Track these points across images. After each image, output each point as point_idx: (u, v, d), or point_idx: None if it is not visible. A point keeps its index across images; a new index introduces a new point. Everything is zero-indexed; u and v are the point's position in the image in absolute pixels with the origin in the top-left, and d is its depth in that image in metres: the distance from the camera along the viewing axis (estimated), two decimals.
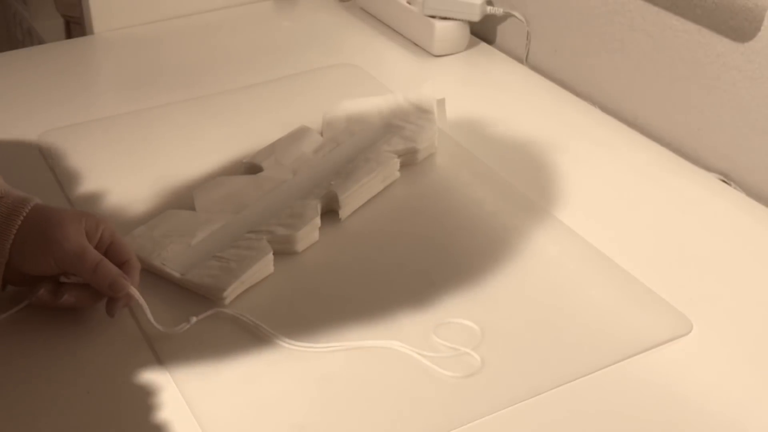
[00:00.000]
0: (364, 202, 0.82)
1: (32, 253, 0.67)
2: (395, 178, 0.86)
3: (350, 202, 0.80)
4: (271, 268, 0.73)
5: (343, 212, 0.80)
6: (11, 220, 0.66)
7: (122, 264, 0.68)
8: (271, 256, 0.73)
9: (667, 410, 0.62)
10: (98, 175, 0.86)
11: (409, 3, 1.14)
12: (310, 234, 0.77)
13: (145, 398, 0.63)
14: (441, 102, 0.93)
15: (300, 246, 0.76)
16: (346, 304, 0.71)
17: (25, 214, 0.67)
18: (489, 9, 1.10)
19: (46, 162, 0.88)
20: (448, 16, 1.10)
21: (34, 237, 0.66)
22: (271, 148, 0.87)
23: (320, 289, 0.73)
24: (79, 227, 0.67)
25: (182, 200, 0.80)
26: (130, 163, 0.89)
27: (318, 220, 0.78)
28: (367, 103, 0.94)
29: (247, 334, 0.68)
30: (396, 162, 0.85)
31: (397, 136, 0.88)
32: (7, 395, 0.62)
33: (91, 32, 1.16)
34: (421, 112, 0.92)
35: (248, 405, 0.62)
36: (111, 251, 0.69)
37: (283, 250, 0.76)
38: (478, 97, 1.03)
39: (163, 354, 0.66)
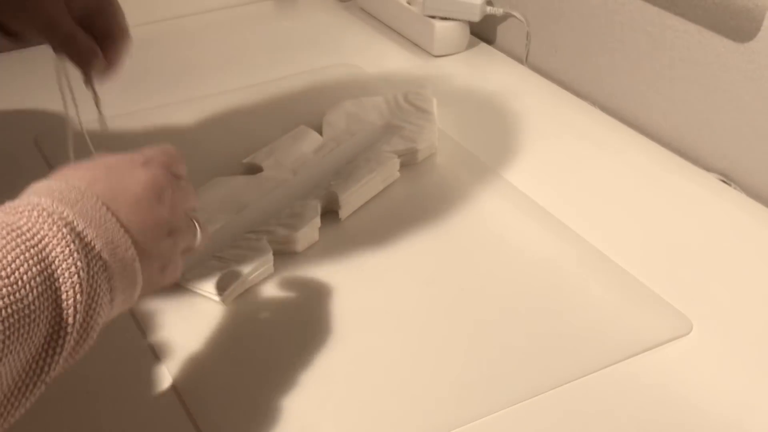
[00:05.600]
0: (364, 202, 0.82)
1: (14, 15, 0.64)
2: (395, 178, 0.86)
3: (350, 202, 0.80)
4: (271, 269, 0.73)
5: (343, 212, 0.80)
6: None
7: (104, 38, 0.65)
8: (271, 256, 0.73)
9: (667, 410, 0.62)
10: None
11: (409, 3, 1.14)
12: (310, 234, 0.77)
13: (142, 397, 0.63)
14: (444, 104, 0.93)
15: (300, 246, 0.76)
16: (346, 305, 0.71)
17: None
18: (489, 9, 1.10)
19: (45, 162, 0.88)
20: (448, 16, 1.10)
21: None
22: (271, 149, 0.87)
23: (320, 290, 0.73)
24: None
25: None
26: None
27: (318, 220, 0.78)
28: (367, 103, 0.94)
29: (247, 332, 0.68)
30: (396, 162, 0.85)
31: (397, 136, 0.88)
32: None
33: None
34: (421, 112, 0.92)
35: (248, 405, 0.62)
36: (97, 20, 0.65)
37: (283, 250, 0.76)
38: (478, 97, 1.03)
39: (163, 353, 0.66)
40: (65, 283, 0.45)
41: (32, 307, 0.43)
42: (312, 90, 1.03)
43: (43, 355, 0.45)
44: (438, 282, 0.73)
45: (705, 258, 0.77)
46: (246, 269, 0.71)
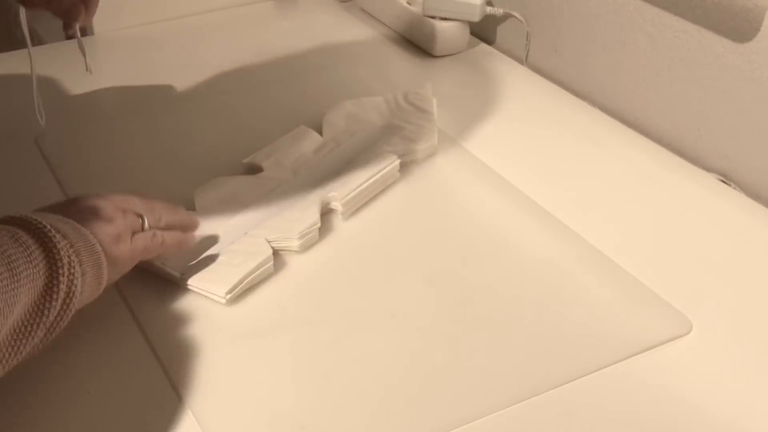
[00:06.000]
0: (364, 202, 0.82)
1: None
2: (395, 178, 0.86)
3: (351, 202, 0.81)
4: (271, 268, 0.74)
5: (344, 213, 0.80)
6: None
7: None
8: (271, 256, 0.73)
9: (667, 410, 0.62)
10: (98, 176, 0.87)
11: (409, 3, 1.14)
12: (310, 235, 0.77)
13: (143, 397, 0.63)
14: (444, 105, 0.93)
15: (300, 246, 0.76)
16: (346, 305, 0.71)
17: None
18: (489, 9, 1.10)
19: (45, 162, 0.88)
20: (448, 16, 1.10)
21: None
22: (271, 149, 0.87)
23: (320, 290, 0.73)
24: None
25: (182, 201, 0.80)
26: (130, 164, 0.89)
27: (318, 221, 0.78)
28: (367, 103, 0.94)
29: (247, 333, 0.68)
30: (396, 162, 0.85)
31: (397, 136, 0.88)
32: (6, 395, 0.62)
33: (92, 32, 1.16)
34: (421, 112, 0.93)
35: (249, 404, 0.62)
36: None
37: (283, 250, 0.76)
38: (478, 97, 1.03)
39: (163, 353, 0.66)
40: (60, 259, 0.58)
41: (34, 263, 0.56)
42: (312, 90, 1.03)
43: (37, 310, 0.56)
44: (438, 282, 0.74)
45: (705, 258, 0.77)
46: (246, 269, 0.71)
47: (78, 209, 0.65)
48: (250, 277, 0.72)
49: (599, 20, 1.00)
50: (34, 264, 0.56)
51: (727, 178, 0.89)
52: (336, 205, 0.80)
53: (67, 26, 0.83)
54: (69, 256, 0.59)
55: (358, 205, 0.82)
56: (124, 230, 0.66)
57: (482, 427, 0.61)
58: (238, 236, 0.75)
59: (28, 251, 0.56)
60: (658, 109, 0.96)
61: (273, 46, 1.14)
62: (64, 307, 0.58)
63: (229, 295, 0.70)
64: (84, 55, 0.88)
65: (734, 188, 0.88)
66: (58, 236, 0.58)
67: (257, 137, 0.89)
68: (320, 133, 0.90)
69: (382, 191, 0.84)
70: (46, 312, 0.57)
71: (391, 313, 0.70)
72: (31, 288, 0.55)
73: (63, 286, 0.58)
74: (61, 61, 1.10)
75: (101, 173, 0.87)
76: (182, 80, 1.05)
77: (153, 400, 0.62)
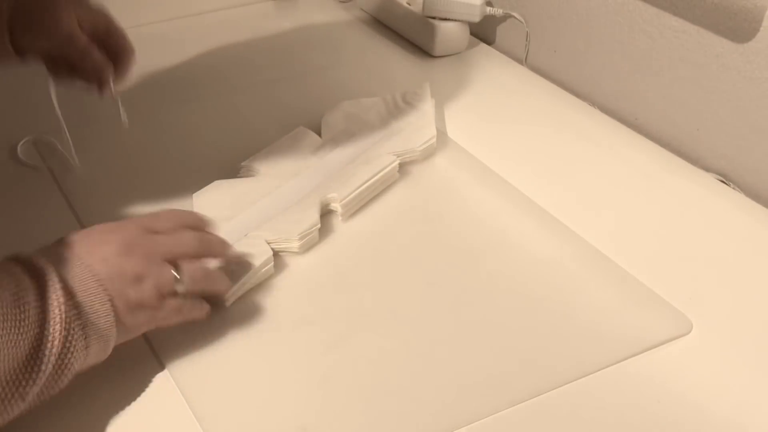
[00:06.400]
0: (364, 203, 0.82)
1: (29, 29, 0.72)
2: (395, 179, 0.86)
3: (350, 203, 0.81)
4: (271, 270, 0.74)
5: (343, 214, 0.80)
6: None
7: (116, 53, 0.75)
8: (271, 257, 0.73)
9: (667, 410, 0.63)
10: (97, 176, 0.87)
11: (409, 4, 1.14)
12: (310, 236, 0.77)
13: (144, 398, 0.63)
14: (444, 105, 0.93)
15: (300, 247, 0.76)
16: (346, 305, 0.71)
17: None
18: (488, 10, 1.10)
19: (44, 163, 0.88)
20: (447, 16, 1.10)
21: (30, 15, 0.72)
22: (270, 150, 0.87)
23: (320, 291, 0.73)
24: (71, 14, 0.73)
25: (181, 203, 0.80)
26: (130, 164, 0.89)
27: (318, 222, 0.78)
28: (366, 103, 0.95)
29: (248, 334, 0.68)
30: (395, 163, 0.85)
31: (395, 137, 0.88)
32: None
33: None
34: (420, 112, 0.93)
35: (249, 405, 0.62)
36: (106, 40, 0.75)
37: (283, 251, 0.76)
38: (477, 97, 1.03)
39: (164, 353, 0.66)
40: (53, 319, 0.55)
41: (23, 322, 0.53)
42: (312, 90, 1.03)
43: (25, 371, 0.54)
44: (438, 282, 0.74)
45: (705, 258, 0.77)
46: (246, 271, 0.71)
47: (109, 255, 0.60)
48: (251, 279, 0.72)
49: (599, 20, 1.00)
50: (23, 330, 0.53)
51: (726, 178, 0.89)
52: (335, 206, 0.80)
53: (100, 90, 0.78)
54: (70, 330, 0.56)
55: (358, 206, 0.82)
56: (150, 297, 0.61)
57: (482, 427, 0.61)
58: (238, 238, 0.75)
59: (23, 314, 0.53)
60: (657, 109, 0.96)
61: (273, 46, 1.14)
62: (57, 374, 0.56)
63: (229, 298, 0.70)
64: (120, 109, 0.83)
65: (733, 188, 0.88)
66: (63, 307, 0.55)
67: (257, 138, 0.89)
68: (319, 134, 0.90)
69: (382, 192, 0.84)
70: (31, 378, 0.54)
71: (391, 313, 0.70)
72: (15, 349, 0.53)
73: (52, 357, 0.55)
74: None
75: (100, 174, 0.87)
76: (182, 80, 1.05)
77: (153, 400, 0.62)
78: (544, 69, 1.09)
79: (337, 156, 0.86)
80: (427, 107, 0.93)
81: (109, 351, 0.60)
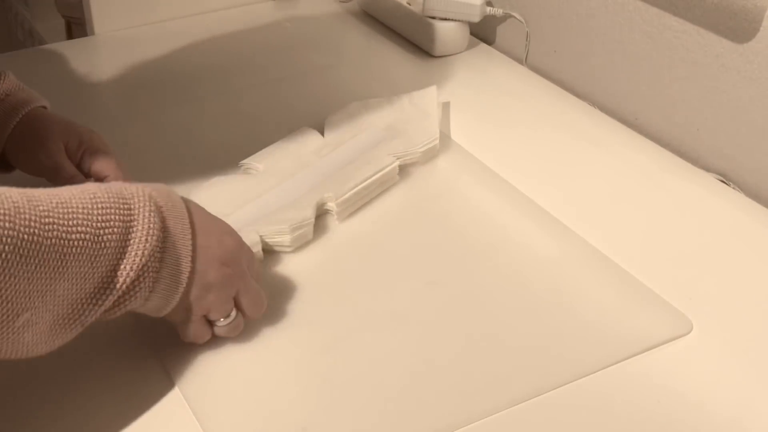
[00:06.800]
0: (361, 204, 0.82)
1: (22, 155, 0.78)
2: (394, 181, 0.86)
3: (346, 203, 0.80)
4: (260, 258, 0.74)
5: (339, 214, 0.80)
6: (8, 120, 0.77)
7: (103, 179, 0.78)
8: (260, 250, 0.73)
9: (667, 410, 0.63)
10: None
11: (409, 4, 1.14)
12: (302, 231, 0.76)
13: (144, 398, 0.63)
14: (444, 106, 0.93)
15: (292, 241, 0.75)
16: (346, 305, 0.71)
17: (18, 119, 0.77)
18: (489, 10, 1.10)
19: None
20: (448, 16, 1.10)
21: (24, 142, 0.77)
22: (271, 149, 0.87)
23: (320, 291, 0.73)
24: (59, 145, 0.77)
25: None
26: (129, 164, 0.89)
27: (311, 216, 0.77)
28: (371, 104, 0.94)
29: (248, 334, 0.68)
30: (395, 164, 0.85)
31: (398, 139, 0.88)
32: (7, 395, 0.63)
33: (92, 33, 1.16)
34: (424, 114, 0.93)
35: (249, 405, 0.62)
36: (94, 168, 0.78)
37: (278, 246, 0.75)
38: (478, 97, 1.03)
39: (164, 353, 0.66)
40: (131, 253, 0.56)
41: (103, 246, 0.55)
42: (312, 90, 1.03)
43: (92, 297, 0.55)
44: (438, 282, 0.74)
45: (705, 258, 0.77)
46: None
47: (213, 240, 0.63)
48: None
49: (599, 20, 1.00)
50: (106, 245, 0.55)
51: (726, 178, 0.89)
52: (331, 205, 0.80)
53: None
54: (147, 267, 0.57)
55: (355, 206, 0.82)
56: (200, 312, 0.63)
57: (482, 428, 0.61)
58: None
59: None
60: (657, 109, 0.96)
61: (273, 46, 1.14)
62: (114, 308, 0.57)
63: None
64: None
65: (733, 188, 0.88)
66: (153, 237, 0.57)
67: (257, 138, 0.89)
68: (322, 133, 0.90)
69: (382, 192, 0.84)
70: (97, 304, 0.56)
71: (391, 314, 0.70)
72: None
73: (120, 290, 0.56)
74: (61, 61, 1.10)
75: None
76: (182, 80, 1.05)
77: (154, 400, 0.62)
78: (544, 69, 1.10)
79: (338, 156, 0.86)
80: (433, 109, 0.93)
81: (166, 310, 0.61)
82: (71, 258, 0.53)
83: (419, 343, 0.67)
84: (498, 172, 0.88)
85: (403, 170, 0.87)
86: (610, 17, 0.99)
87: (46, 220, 0.52)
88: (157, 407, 0.62)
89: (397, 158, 0.86)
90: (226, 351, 0.66)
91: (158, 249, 0.57)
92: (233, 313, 0.65)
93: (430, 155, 0.89)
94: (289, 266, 0.75)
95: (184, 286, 0.60)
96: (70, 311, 0.54)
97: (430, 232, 0.80)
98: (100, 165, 0.78)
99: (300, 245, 0.77)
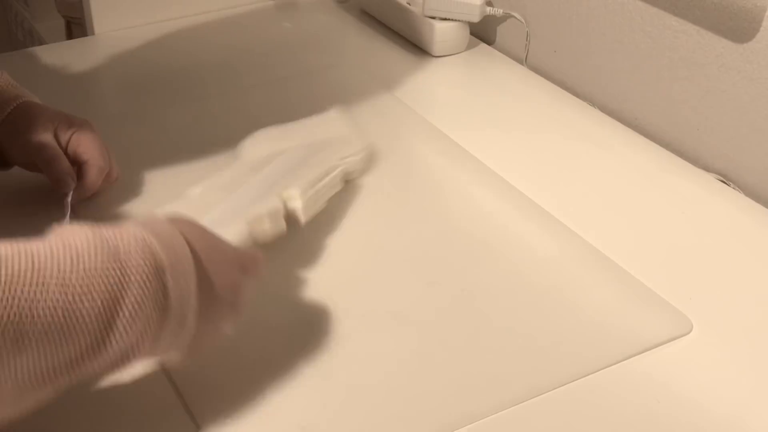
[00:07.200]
0: (322, 207, 0.80)
1: (11, 144, 0.78)
2: (339, 188, 0.83)
3: (308, 208, 0.78)
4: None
5: (305, 212, 0.77)
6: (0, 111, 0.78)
7: (82, 163, 0.79)
8: (284, 227, 0.74)
9: (667, 410, 0.63)
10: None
11: (408, 4, 1.14)
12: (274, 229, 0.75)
13: (140, 396, 0.63)
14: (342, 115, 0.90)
15: (270, 226, 0.74)
16: (346, 305, 0.71)
17: (9, 110, 0.78)
18: (489, 10, 1.11)
19: None
20: (447, 16, 1.10)
21: (16, 129, 0.78)
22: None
23: (320, 290, 0.73)
24: (47, 125, 0.78)
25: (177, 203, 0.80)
26: (129, 164, 0.89)
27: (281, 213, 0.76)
28: (282, 130, 0.89)
29: (246, 334, 0.68)
30: (356, 159, 0.83)
31: (329, 149, 0.84)
32: None
33: (92, 33, 1.16)
34: (340, 132, 0.88)
35: (249, 405, 0.62)
36: (77, 152, 0.79)
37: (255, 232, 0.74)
38: (477, 97, 1.03)
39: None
40: (126, 308, 0.50)
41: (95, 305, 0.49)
42: (312, 90, 1.03)
43: (82, 356, 0.49)
44: (438, 282, 0.74)
45: (705, 258, 0.77)
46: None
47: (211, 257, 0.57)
48: None
49: (599, 20, 1.00)
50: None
51: (726, 178, 0.89)
52: (296, 203, 0.77)
53: (63, 194, 0.78)
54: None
55: (316, 210, 0.79)
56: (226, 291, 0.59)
57: (482, 428, 0.61)
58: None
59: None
60: (657, 109, 0.96)
61: (273, 48, 1.14)
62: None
63: None
64: (66, 216, 0.77)
65: (733, 188, 0.88)
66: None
67: None
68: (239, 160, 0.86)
69: (382, 192, 0.84)
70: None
71: (390, 313, 0.70)
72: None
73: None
74: (61, 61, 1.10)
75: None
76: (182, 81, 1.05)
77: (153, 400, 0.62)
78: (544, 69, 1.10)
79: (287, 162, 0.82)
80: (345, 127, 0.88)
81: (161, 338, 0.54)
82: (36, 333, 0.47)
83: (419, 343, 0.67)
84: (498, 172, 0.88)
85: (401, 169, 0.87)
86: (610, 17, 0.99)
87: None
88: (156, 407, 0.62)
89: (343, 164, 0.82)
90: (225, 351, 0.66)
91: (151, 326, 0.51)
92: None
93: (364, 165, 0.86)
94: (289, 266, 0.75)
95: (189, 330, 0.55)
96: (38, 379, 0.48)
97: (430, 231, 0.80)
98: (83, 147, 0.79)
99: (287, 238, 0.75)
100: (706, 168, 0.91)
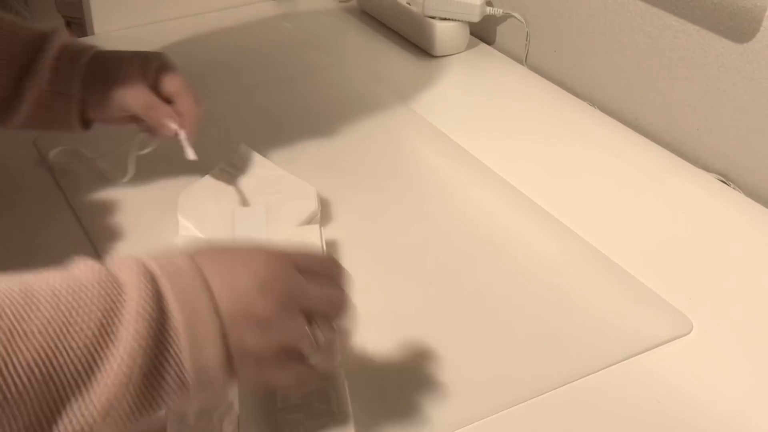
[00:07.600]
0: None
1: (99, 99, 0.76)
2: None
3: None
4: None
5: None
6: (76, 63, 0.76)
7: (173, 95, 0.78)
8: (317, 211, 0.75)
9: (667, 410, 0.63)
10: (97, 176, 0.87)
11: (409, 4, 1.14)
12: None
13: None
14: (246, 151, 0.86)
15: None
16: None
17: (85, 62, 0.76)
18: (489, 10, 1.11)
19: (44, 163, 0.88)
20: (448, 16, 1.10)
21: (100, 85, 0.76)
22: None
23: None
24: (135, 73, 0.76)
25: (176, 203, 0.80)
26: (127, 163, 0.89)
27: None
28: (205, 187, 0.83)
29: None
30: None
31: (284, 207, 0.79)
32: None
33: (92, 33, 1.16)
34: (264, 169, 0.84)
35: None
36: (167, 90, 0.78)
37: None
38: (477, 97, 1.03)
39: None
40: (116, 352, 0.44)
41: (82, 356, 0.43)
42: (312, 90, 1.03)
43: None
44: (438, 282, 0.74)
45: (705, 258, 0.77)
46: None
47: (243, 287, 0.48)
48: None
49: (599, 20, 1.00)
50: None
51: (726, 178, 0.89)
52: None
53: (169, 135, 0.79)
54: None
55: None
56: (272, 354, 0.49)
57: (483, 428, 0.61)
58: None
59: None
60: (657, 109, 0.96)
61: (273, 48, 1.14)
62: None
63: None
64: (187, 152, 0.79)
65: (734, 188, 0.88)
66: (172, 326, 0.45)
67: (257, 137, 0.89)
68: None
69: (383, 192, 0.84)
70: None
71: (391, 313, 0.70)
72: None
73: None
74: None
75: (100, 173, 0.87)
76: None
77: None
78: (544, 69, 1.10)
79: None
80: (259, 160, 0.85)
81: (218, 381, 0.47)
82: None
83: (419, 343, 0.67)
84: (498, 172, 0.88)
85: (401, 169, 0.87)
86: (610, 17, 0.99)
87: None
88: None
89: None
90: None
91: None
92: (314, 335, 0.51)
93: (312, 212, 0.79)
94: None
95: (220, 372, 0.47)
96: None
97: (431, 232, 0.80)
98: (171, 83, 0.78)
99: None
100: (706, 168, 0.91)
